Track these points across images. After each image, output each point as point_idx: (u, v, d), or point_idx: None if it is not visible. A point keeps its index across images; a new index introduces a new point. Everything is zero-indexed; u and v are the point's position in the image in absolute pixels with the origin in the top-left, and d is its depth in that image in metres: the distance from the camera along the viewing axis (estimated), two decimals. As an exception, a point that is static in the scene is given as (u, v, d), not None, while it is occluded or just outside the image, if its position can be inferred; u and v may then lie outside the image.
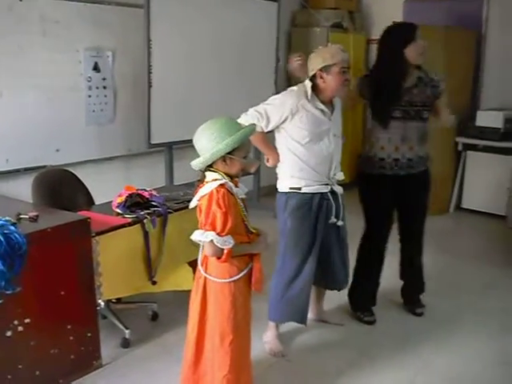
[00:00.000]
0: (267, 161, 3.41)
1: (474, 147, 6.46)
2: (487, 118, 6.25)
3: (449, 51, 6.06)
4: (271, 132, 3.32)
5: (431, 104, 3.61)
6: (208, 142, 2.42)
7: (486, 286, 4.54)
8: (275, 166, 3.39)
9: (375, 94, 3.51)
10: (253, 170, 2.70)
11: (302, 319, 3.49)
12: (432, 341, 3.65)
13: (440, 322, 3.91)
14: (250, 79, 5.86)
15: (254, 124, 2.66)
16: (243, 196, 2.60)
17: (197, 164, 2.48)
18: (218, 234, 2.40)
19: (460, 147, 6.56)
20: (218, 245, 2.41)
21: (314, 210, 3.31)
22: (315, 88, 3.25)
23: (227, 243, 2.42)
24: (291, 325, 3.65)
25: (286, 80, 6.61)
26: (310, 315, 3.75)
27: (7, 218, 2.67)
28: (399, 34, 3.51)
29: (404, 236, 3.94)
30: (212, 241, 2.40)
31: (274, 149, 3.36)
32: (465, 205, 6.63)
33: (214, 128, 2.42)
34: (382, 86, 3.48)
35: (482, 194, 6.40)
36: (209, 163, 2.47)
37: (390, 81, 3.49)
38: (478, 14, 6.59)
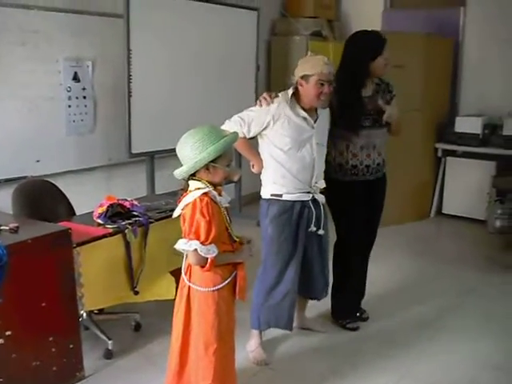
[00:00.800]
0: (252, 167, 3.42)
1: (453, 153, 6.53)
2: (466, 124, 6.31)
3: (427, 58, 6.13)
4: (255, 138, 3.34)
5: None
6: (191, 151, 2.42)
7: (466, 290, 4.57)
8: (260, 173, 3.40)
9: (341, 104, 3.49)
10: (236, 178, 2.70)
11: (286, 325, 3.50)
12: (414, 347, 3.67)
13: (422, 327, 3.93)
14: (230, 87, 5.88)
15: (237, 132, 2.67)
16: (227, 204, 2.61)
17: (180, 173, 2.48)
18: (202, 243, 2.40)
19: (440, 153, 6.62)
20: (202, 253, 2.41)
21: (294, 218, 3.32)
22: (298, 95, 3.27)
23: (211, 252, 2.42)
24: (274, 333, 3.65)
25: (266, 88, 6.64)
26: (294, 323, 3.76)
27: (-13, 230, 2.65)
28: (368, 46, 3.50)
29: (362, 239, 3.86)
30: (196, 250, 2.41)
31: (259, 155, 3.37)
32: (445, 210, 6.69)
33: (196, 137, 2.43)
34: (347, 96, 3.49)
35: (462, 200, 6.46)
36: (192, 172, 2.48)
37: (353, 91, 3.51)
38: (455, 23, 6.68)
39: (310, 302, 3.83)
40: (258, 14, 6.18)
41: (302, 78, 3.21)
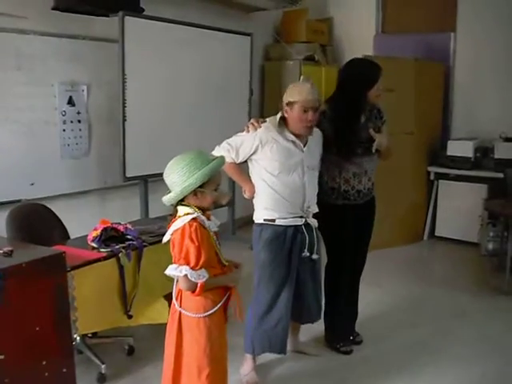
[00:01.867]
0: (244, 192, 3.44)
1: (445, 176, 6.59)
2: (458, 148, 6.38)
3: (418, 82, 6.20)
4: (246, 163, 3.36)
5: None
6: (178, 177, 2.45)
7: (460, 313, 4.58)
8: (252, 198, 3.42)
9: (337, 132, 3.53)
10: (224, 201, 2.70)
11: (281, 349, 3.49)
12: (408, 370, 3.66)
13: (415, 350, 3.93)
14: (224, 112, 5.92)
15: (223, 156, 2.69)
16: (216, 229, 2.62)
17: (168, 199, 2.50)
18: (192, 268, 2.41)
19: (432, 176, 6.68)
20: (193, 279, 2.42)
21: (287, 243, 3.32)
22: (286, 120, 3.30)
23: (201, 277, 2.43)
24: (268, 357, 3.64)
25: (259, 112, 6.69)
26: (287, 346, 3.76)
27: (-19, 254, 2.66)
28: (366, 75, 3.54)
29: (352, 262, 3.86)
30: (186, 275, 2.42)
31: (250, 180, 3.38)
32: (438, 233, 6.71)
33: (183, 163, 2.45)
34: (344, 124, 3.53)
35: (454, 222, 6.49)
36: (180, 198, 2.49)
37: (351, 119, 3.55)
38: (446, 47, 6.78)
39: (304, 325, 3.84)
40: (251, 39, 6.25)
41: (287, 104, 3.25)
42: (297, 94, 3.22)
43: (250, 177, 3.39)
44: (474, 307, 4.71)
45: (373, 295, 4.70)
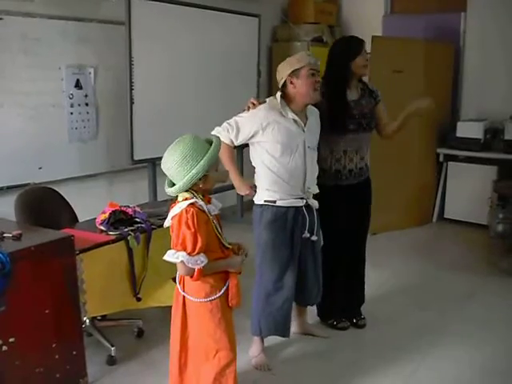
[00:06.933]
0: (240, 190, 3.41)
1: (455, 158, 6.55)
2: (467, 129, 6.32)
3: (428, 63, 6.15)
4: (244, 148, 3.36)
5: (374, 112, 3.75)
6: (178, 173, 2.44)
7: (469, 295, 4.57)
8: (248, 195, 3.40)
9: (328, 106, 3.54)
10: (227, 178, 2.69)
11: (285, 332, 3.51)
12: (416, 352, 3.66)
13: (424, 332, 3.93)
14: (231, 93, 5.89)
15: (218, 137, 2.65)
16: (216, 212, 2.61)
17: (176, 191, 2.48)
18: (189, 254, 2.42)
19: (441, 158, 6.63)
20: (189, 265, 2.43)
21: (289, 224, 3.31)
22: (287, 98, 3.28)
23: (199, 262, 2.44)
24: (277, 338, 3.64)
25: (267, 94, 6.65)
26: (295, 329, 3.77)
27: (-10, 238, 2.67)
28: (347, 48, 3.62)
29: (349, 244, 3.86)
30: (182, 261, 2.42)
31: (241, 176, 3.39)
32: (447, 215, 6.69)
33: (184, 151, 2.42)
34: (333, 98, 3.56)
35: (463, 204, 6.46)
36: (189, 187, 2.47)
37: (338, 91, 3.59)
38: (456, 28, 6.69)
39: (311, 307, 3.85)
40: (259, 20, 6.22)
41: (292, 74, 3.21)
42: (299, 61, 3.22)
43: (242, 168, 3.37)
44: (483, 289, 4.70)
45: (382, 277, 4.70)
